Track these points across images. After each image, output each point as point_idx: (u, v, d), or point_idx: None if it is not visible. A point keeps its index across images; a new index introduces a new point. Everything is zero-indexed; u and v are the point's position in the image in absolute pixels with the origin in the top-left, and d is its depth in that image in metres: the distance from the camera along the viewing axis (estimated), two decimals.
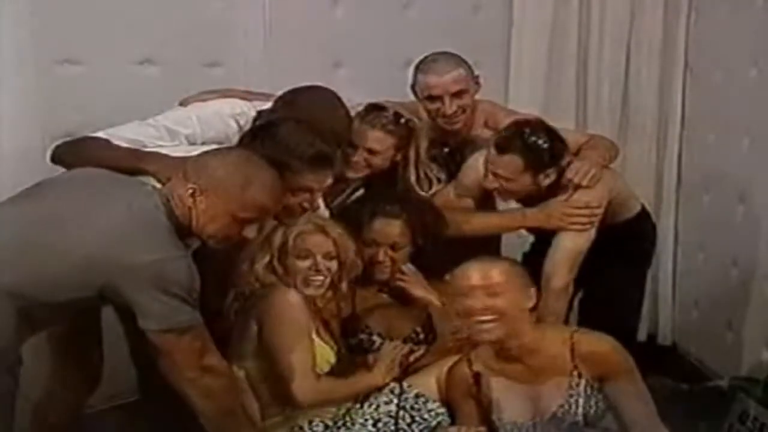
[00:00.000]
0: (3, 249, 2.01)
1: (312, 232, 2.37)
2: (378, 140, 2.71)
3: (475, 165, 2.79)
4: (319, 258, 2.37)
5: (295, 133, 2.32)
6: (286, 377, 2.27)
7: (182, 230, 2.10)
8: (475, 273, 2.21)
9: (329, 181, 2.40)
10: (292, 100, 2.55)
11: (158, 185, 2.16)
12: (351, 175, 2.72)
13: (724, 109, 3.41)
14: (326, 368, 2.39)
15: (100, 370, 2.54)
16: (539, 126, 2.65)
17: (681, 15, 3.59)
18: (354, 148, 2.69)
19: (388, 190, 2.74)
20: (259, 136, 2.33)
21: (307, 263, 2.36)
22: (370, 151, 2.71)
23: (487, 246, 2.81)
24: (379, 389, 2.39)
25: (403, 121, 2.74)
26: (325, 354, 2.39)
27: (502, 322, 2.18)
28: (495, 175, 2.64)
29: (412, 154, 2.76)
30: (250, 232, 2.16)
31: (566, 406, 2.20)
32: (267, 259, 2.36)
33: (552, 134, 2.63)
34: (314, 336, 2.36)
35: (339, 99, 2.59)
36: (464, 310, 2.21)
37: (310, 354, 2.30)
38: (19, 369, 2.08)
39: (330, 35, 3.27)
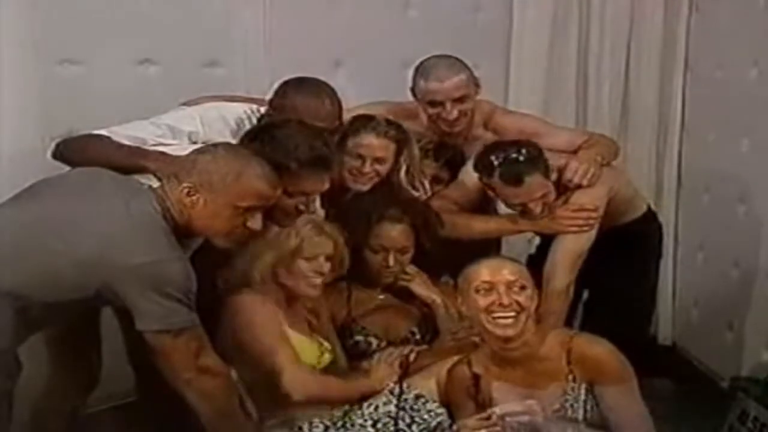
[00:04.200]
0: (2, 250, 2.02)
1: (317, 234, 2.39)
2: (384, 148, 2.69)
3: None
4: (321, 260, 2.39)
5: (295, 134, 2.30)
6: (277, 375, 2.26)
7: (180, 231, 2.10)
8: (502, 268, 2.24)
9: (326, 185, 2.40)
10: (281, 90, 2.56)
11: (158, 184, 2.15)
12: (361, 187, 2.70)
13: (724, 109, 3.41)
14: (318, 366, 2.39)
15: (98, 371, 2.54)
16: (504, 144, 2.66)
17: (681, 15, 3.59)
18: (361, 161, 2.68)
19: (386, 194, 2.73)
20: (259, 136, 2.32)
21: (313, 265, 2.38)
22: (379, 160, 2.70)
23: (487, 249, 2.81)
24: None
25: (396, 126, 2.74)
26: (310, 351, 2.39)
27: (522, 318, 2.21)
28: (533, 201, 2.63)
29: (404, 159, 2.75)
30: (255, 223, 2.16)
31: (563, 411, 2.19)
32: (269, 259, 2.36)
33: (516, 143, 2.64)
34: (291, 331, 2.36)
35: (329, 89, 2.55)
36: (485, 306, 2.22)
37: (292, 348, 2.31)
38: (18, 371, 2.08)
39: (330, 35, 3.27)
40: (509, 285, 2.22)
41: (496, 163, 2.60)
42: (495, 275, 2.23)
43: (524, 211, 2.69)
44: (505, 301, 2.20)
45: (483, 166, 2.64)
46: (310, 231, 2.38)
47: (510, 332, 2.21)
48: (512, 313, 2.20)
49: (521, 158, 2.58)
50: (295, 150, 2.26)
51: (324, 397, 2.33)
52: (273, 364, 2.27)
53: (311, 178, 2.32)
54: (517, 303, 2.20)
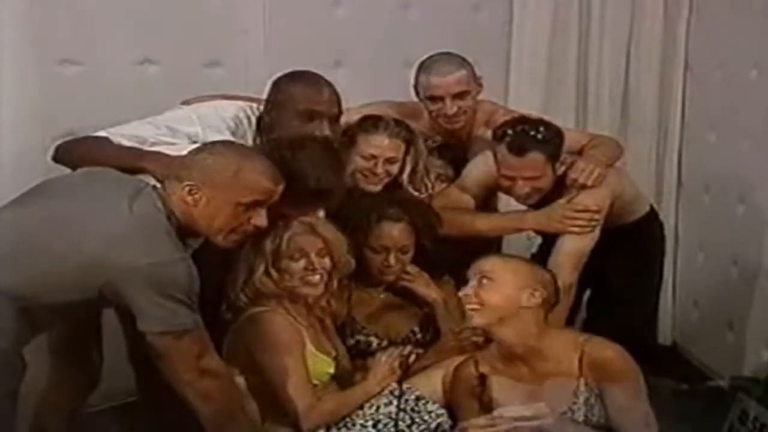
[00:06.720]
0: (4, 251, 2.01)
1: (303, 232, 2.37)
2: (396, 148, 2.71)
3: (480, 164, 2.80)
4: (312, 256, 2.37)
5: (317, 162, 2.31)
6: (288, 405, 2.27)
7: (183, 231, 2.10)
8: (475, 264, 2.27)
9: (320, 214, 2.43)
10: (275, 86, 2.58)
11: (158, 184, 2.15)
12: (373, 188, 2.70)
13: (724, 109, 3.41)
14: (326, 379, 2.39)
15: (99, 370, 2.54)
16: (530, 119, 2.68)
17: (681, 15, 3.60)
18: (374, 161, 2.68)
19: (386, 193, 2.73)
20: (280, 151, 2.31)
21: (302, 263, 2.36)
22: (390, 161, 2.71)
23: (488, 247, 2.81)
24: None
25: (404, 126, 2.75)
26: (325, 366, 2.39)
27: (484, 312, 2.22)
28: (523, 179, 2.64)
29: (410, 159, 2.75)
30: (261, 220, 2.15)
31: (569, 413, 2.19)
32: (263, 267, 2.35)
33: (541, 121, 2.66)
34: (313, 349, 2.36)
35: (324, 79, 2.57)
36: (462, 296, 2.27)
37: (307, 375, 2.30)
38: (23, 371, 2.08)
39: (330, 35, 3.28)
40: (475, 278, 2.25)
41: (510, 131, 2.62)
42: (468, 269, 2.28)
43: (509, 190, 2.70)
44: (469, 292, 2.24)
45: (500, 132, 2.65)
46: (291, 230, 2.36)
47: (470, 323, 2.28)
48: (472, 306, 2.23)
49: (537, 134, 2.59)
50: (310, 175, 2.27)
51: (331, 421, 2.33)
52: (286, 395, 2.27)
53: (313, 207, 2.36)
54: (479, 297, 2.22)
